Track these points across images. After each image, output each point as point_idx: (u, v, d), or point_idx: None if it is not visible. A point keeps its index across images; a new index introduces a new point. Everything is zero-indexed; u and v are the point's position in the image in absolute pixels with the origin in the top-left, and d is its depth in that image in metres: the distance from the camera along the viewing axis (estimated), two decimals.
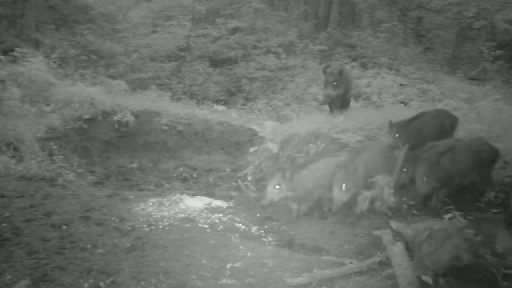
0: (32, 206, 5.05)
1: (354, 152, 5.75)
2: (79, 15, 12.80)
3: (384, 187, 5.58)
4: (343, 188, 5.29)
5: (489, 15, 12.45)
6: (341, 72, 8.02)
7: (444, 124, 6.59)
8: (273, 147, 7.82)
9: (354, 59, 13.00)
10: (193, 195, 6.16)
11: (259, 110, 11.09)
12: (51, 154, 6.98)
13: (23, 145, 6.82)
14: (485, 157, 5.81)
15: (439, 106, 9.46)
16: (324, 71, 8.13)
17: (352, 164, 5.44)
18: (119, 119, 8.46)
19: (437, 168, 5.62)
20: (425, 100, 10.26)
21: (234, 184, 7.19)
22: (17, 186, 5.65)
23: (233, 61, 13.06)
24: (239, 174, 7.43)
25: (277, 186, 5.33)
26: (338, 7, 16.45)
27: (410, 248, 4.08)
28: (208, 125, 8.91)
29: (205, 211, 5.52)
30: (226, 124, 9.03)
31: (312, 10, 16.11)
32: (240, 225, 5.25)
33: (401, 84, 11.28)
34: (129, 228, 4.72)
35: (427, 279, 3.67)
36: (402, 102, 10.21)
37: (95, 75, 10.41)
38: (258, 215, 5.74)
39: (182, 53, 12.98)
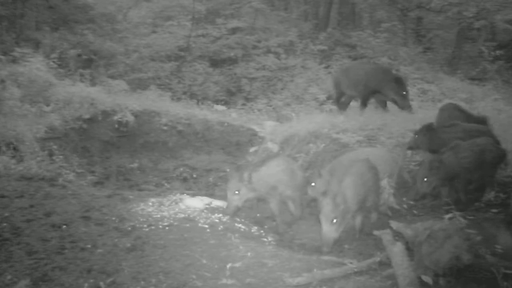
0: (32, 206, 5.05)
1: (338, 174, 4.98)
2: (79, 15, 12.80)
3: (385, 187, 5.60)
4: (334, 222, 4.52)
5: (489, 15, 12.43)
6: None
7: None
8: (273, 147, 7.84)
9: (354, 59, 12.99)
10: (193, 195, 6.16)
11: (259, 110, 11.10)
12: (51, 154, 6.98)
13: (23, 145, 6.83)
14: (490, 157, 5.78)
15: (439, 106, 9.45)
16: (399, 80, 8.10)
17: (339, 189, 4.63)
18: (119, 119, 8.47)
19: (440, 168, 5.64)
20: (425, 100, 10.24)
21: None
22: (17, 186, 5.65)
23: (233, 61, 13.06)
24: None
25: (237, 192, 5.25)
26: (338, 7, 16.47)
27: (410, 248, 4.08)
28: (208, 125, 8.92)
29: (205, 211, 5.52)
30: (226, 124, 9.04)
31: (312, 10, 16.14)
32: (240, 225, 5.25)
33: None
34: (129, 228, 4.71)
35: (427, 279, 3.67)
36: None
37: (95, 75, 10.42)
38: (258, 215, 5.75)
39: (182, 53, 12.98)
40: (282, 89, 12.11)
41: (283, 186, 5.44)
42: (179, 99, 10.91)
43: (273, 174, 5.41)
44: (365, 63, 10.35)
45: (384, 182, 5.64)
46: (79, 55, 10.04)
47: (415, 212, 5.69)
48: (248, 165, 5.94)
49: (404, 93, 8.08)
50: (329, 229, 4.54)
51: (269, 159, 5.81)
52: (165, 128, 8.70)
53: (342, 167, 5.09)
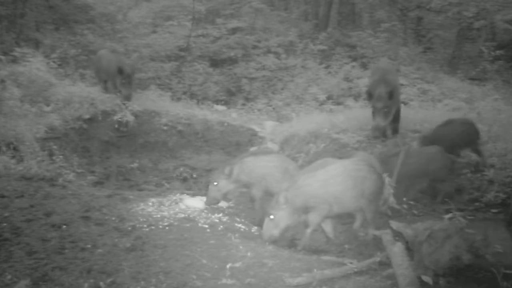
0: (32, 206, 5.05)
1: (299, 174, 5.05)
2: (79, 15, 12.79)
3: (385, 187, 5.60)
4: (271, 218, 4.74)
5: (489, 15, 12.41)
6: (391, 94, 6.67)
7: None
8: (273, 147, 7.84)
9: (354, 59, 12.99)
10: (193, 195, 6.17)
11: (259, 110, 11.11)
12: (51, 154, 6.97)
13: (23, 145, 6.82)
14: (437, 165, 5.99)
15: (439, 106, 9.46)
16: (370, 94, 6.72)
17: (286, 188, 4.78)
18: (119, 119, 8.47)
19: (387, 168, 5.90)
20: (425, 100, 10.25)
21: None
22: (17, 186, 5.64)
23: (233, 61, 13.06)
24: None
25: (215, 183, 5.46)
26: (338, 7, 16.46)
27: (410, 248, 4.08)
28: (208, 125, 8.93)
29: (205, 211, 5.53)
30: (226, 124, 9.05)
31: (312, 10, 16.12)
32: (240, 225, 5.26)
33: (401, 84, 11.26)
34: (129, 228, 4.71)
35: (427, 279, 3.67)
36: (402, 102, 10.19)
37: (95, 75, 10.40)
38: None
39: (182, 53, 12.98)
40: (282, 89, 12.11)
41: (272, 180, 5.48)
42: (179, 99, 10.91)
43: (263, 166, 5.50)
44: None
45: (385, 182, 5.65)
46: (120, 71, 8.65)
47: (415, 212, 5.70)
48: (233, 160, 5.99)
49: (376, 108, 6.82)
50: (267, 225, 4.73)
51: (264, 153, 5.88)
52: (165, 128, 8.71)
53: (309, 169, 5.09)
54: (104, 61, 9.07)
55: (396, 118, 7.26)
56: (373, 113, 6.77)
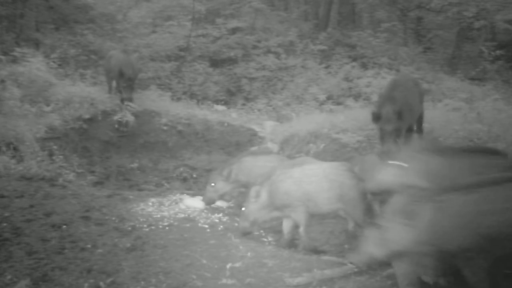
0: (32, 206, 5.05)
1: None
2: (79, 15, 12.81)
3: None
4: (242, 209, 4.88)
5: (489, 15, 12.41)
6: (400, 114, 5.82)
7: None
8: (273, 147, 7.84)
9: (354, 59, 12.98)
10: (193, 195, 6.17)
11: (259, 110, 11.11)
12: (51, 154, 6.98)
13: (23, 145, 6.82)
14: None
15: (439, 106, 9.45)
16: (377, 117, 5.85)
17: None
18: (119, 119, 8.47)
19: None
20: (425, 100, 10.24)
21: None
22: (17, 186, 5.65)
23: (233, 61, 13.07)
24: None
25: (212, 184, 5.53)
26: (338, 7, 16.46)
27: None
28: (208, 125, 8.93)
29: (205, 211, 5.53)
30: (226, 124, 9.05)
31: (312, 10, 16.14)
32: None
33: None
34: (129, 228, 4.72)
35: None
36: None
37: (95, 75, 10.42)
38: None
39: (182, 53, 12.99)
40: (282, 89, 12.11)
41: None
42: (179, 99, 10.92)
43: (262, 166, 5.48)
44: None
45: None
46: (121, 74, 8.67)
47: None
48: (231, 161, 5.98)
49: (385, 132, 5.93)
50: (241, 217, 4.85)
51: (262, 153, 5.89)
52: (165, 128, 8.71)
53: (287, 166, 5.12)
54: (112, 61, 9.08)
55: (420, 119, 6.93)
56: (381, 137, 5.95)
